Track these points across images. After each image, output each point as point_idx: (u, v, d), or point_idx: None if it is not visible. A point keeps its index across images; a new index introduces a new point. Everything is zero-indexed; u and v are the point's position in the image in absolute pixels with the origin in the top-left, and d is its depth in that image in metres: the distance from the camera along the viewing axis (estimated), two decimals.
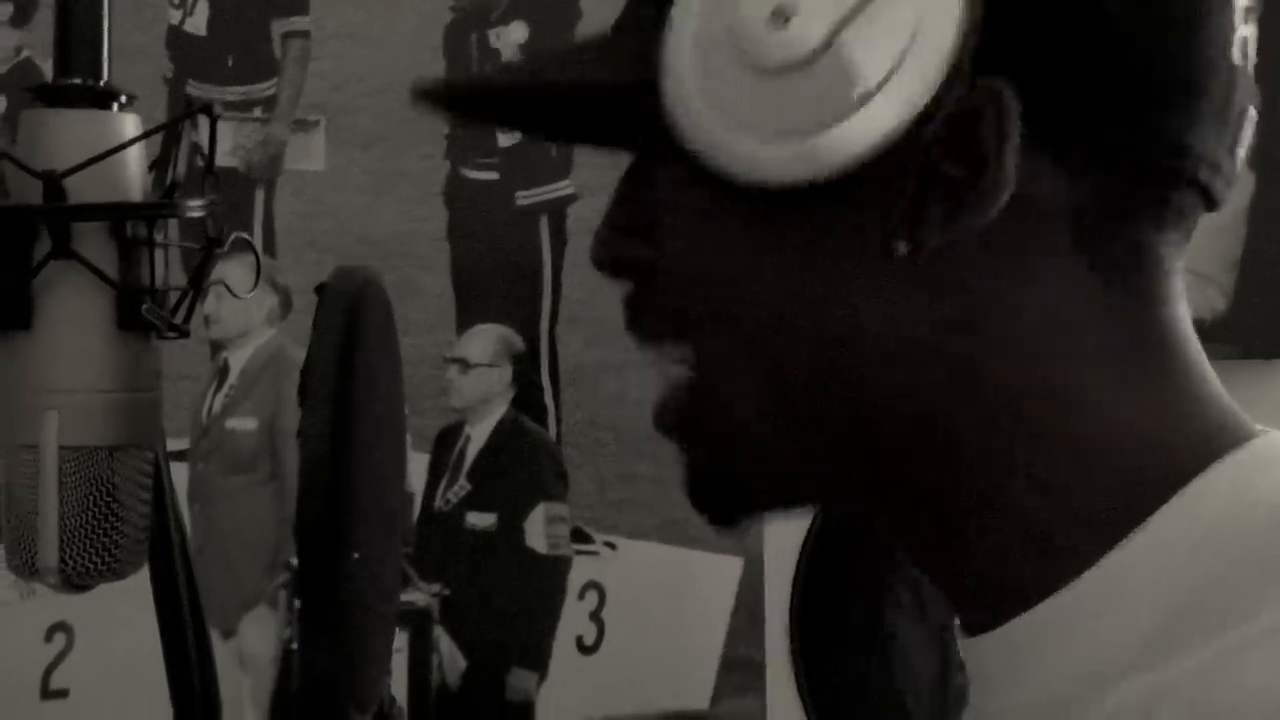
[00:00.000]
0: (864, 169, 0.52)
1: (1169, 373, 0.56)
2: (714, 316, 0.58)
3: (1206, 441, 0.55)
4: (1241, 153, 0.57)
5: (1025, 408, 0.55)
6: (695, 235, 0.58)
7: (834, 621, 1.61)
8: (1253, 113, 0.57)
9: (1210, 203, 0.57)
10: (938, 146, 0.53)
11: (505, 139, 2.28)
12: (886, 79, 0.52)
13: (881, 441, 0.57)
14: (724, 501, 0.62)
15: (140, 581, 0.86)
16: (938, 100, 0.52)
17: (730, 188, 0.54)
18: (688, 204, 0.57)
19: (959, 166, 0.53)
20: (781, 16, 0.52)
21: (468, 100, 0.66)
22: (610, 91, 0.59)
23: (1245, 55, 0.56)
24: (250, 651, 2.18)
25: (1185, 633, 0.51)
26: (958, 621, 0.60)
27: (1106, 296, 0.55)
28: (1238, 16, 0.56)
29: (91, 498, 0.77)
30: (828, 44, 0.52)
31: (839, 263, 0.55)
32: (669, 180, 0.58)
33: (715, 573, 2.18)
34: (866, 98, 0.52)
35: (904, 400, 0.56)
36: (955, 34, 0.52)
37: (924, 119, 0.52)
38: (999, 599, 0.56)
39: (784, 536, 1.67)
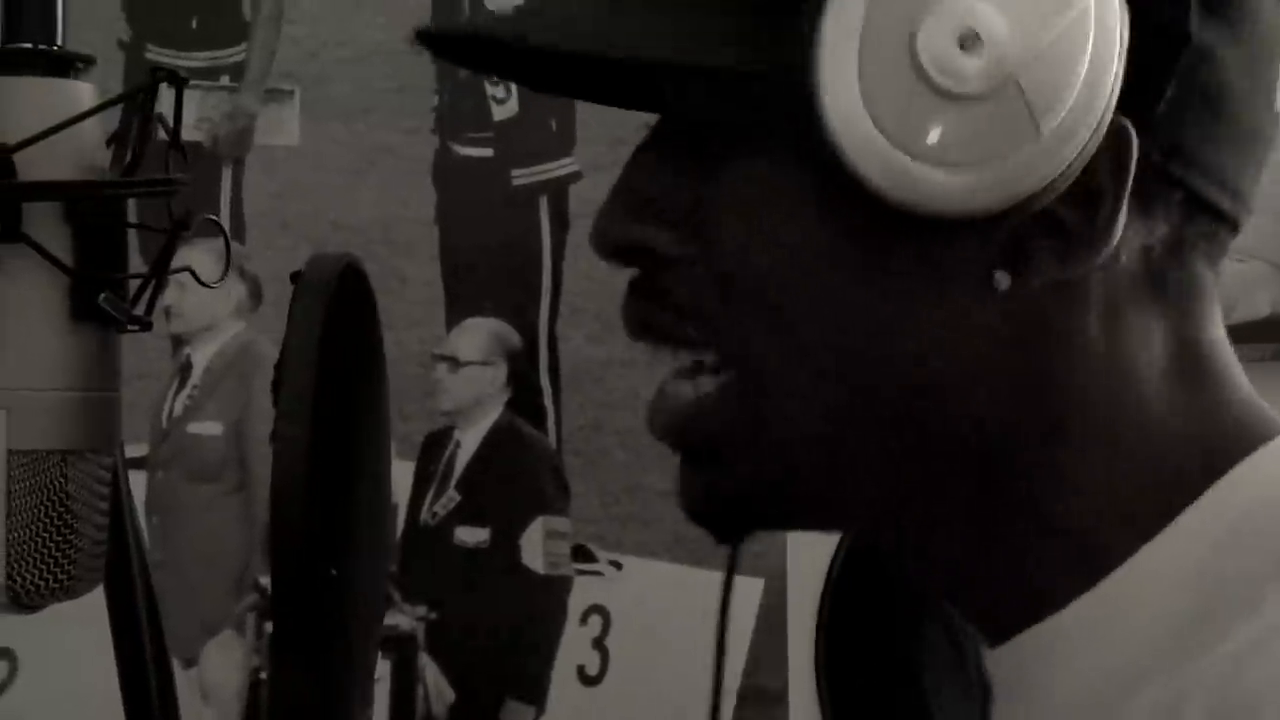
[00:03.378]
0: None
1: (1208, 384, 0.62)
2: (769, 323, 0.61)
3: (1237, 440, 0.61)
4: None
5: (1073, 422, 0.61)
6: (769, 235, 0.61)
7: (864, 652, 1.61)
8: None
9: (1234, 235, 0.64)
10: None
11: (500, 111, 2.29)
12: (1052, 122, 0.56)
13: (930, 461, 0.61)
14: (735, 517, 0.64)
15: (92, 604, 0.86)
16: (1092, 146, 0.57)
17: (864, 196, 0.57)
18: (772, 200, 0.59)
19: (1069, 206, 0.58)
20: (971, 39, 0.55)
21: (475, 51, 0.67)
22: (709, 73, 0.59)
23: None
24: (214, 681, 2.18)
25: (1209, 629, 0.56)
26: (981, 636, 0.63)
27: (1161, 322, 0.62)
28: None
29: (43, 508, 0.77)
30: (1012, 80, 0.56)
31: (925, 290, 0.60)
32: (750, 169, 0.59)
33: (732, 595, 2.18)
34: (1031, 138, 0.56)
35: (959, 420, 0.61)
36: (1117, 75, 0.57)
37: (1076, 165, 0.56)
38: (1027, 601, 0.61)
39: (809, 555, 1.67)
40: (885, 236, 0.59)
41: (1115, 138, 0.57)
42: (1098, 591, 0.60)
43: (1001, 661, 0.63)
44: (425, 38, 0.63)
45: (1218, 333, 0.64)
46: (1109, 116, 0.56)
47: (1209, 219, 0.62)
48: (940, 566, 0.64)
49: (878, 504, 0.64)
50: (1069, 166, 0.56)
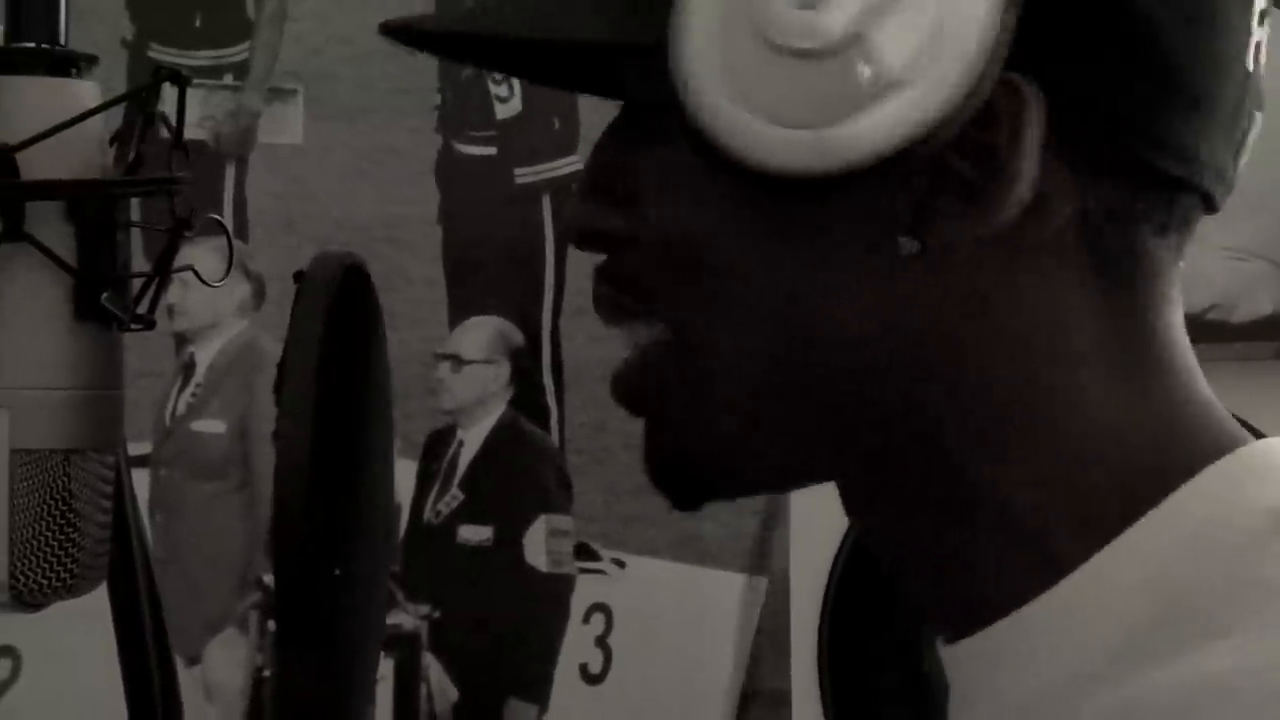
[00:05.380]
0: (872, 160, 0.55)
1: (1161, 377, 0.61)
2: (696, 294, 0.61)
3: (1198, 447, 0.59)
4: (1244, 158, 0.61)
5: (1017, 405, 0.60)
6: (687, 208, 0.61)
7: (869, 652, 1.61)
8: (1258, 117, 0.61)
9: (1210, 208, 0.61)
10: (950, 142, 0.56)
11: (504, 110, 2.29)
12: (912, 74, 0.54)
13: (865, 432, 0.61)
14: (688, 483, 0.64)
15: (95, 603, 0.86)
16: (962, 99, 0.54)
17: (731, 165, 0.56)
18: (683, 175, 0.60)
19: (971, 165, 0.57)
20: None
21: (434, 39, 0.69)
22: (594, 49, 0.60)
23: (1258, 60, 0.60)
24: (217, 680, 2.19)
25: (1156, 643, 0.55)
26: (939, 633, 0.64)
27: (1104, 300, 0.60)
28: (1254, 20, 0.60)
29: (46, 506, 0.77)
30: (855, 32, 0.54)
31: (835, 255, 0.59)
32: (666, 147, 0.59)
33: (735, 594, 2.18)
34: (889, 92, 0.54)
35: (892, 393, 0.60)
36: (984, 28, 0.54)
37: (946, 119, 0.54)
38: (983, 602, 0.60)
39: (811, 553, 1.67)
40: (779, 204, 0.58)
41: (1010, 92, 0.55)
42: (1050, 596, 0.58)
43: (957, 660, 0.62)
44: (387, 30, 0.65)
45: (1170, 316, 0.61)
46: (989, 72, 0.54)
47: (1160, 188, 0.59)
48: (904, 561, 0.64)
49: (815, 471, 0.64)
50: (936, 124, 0.54)
